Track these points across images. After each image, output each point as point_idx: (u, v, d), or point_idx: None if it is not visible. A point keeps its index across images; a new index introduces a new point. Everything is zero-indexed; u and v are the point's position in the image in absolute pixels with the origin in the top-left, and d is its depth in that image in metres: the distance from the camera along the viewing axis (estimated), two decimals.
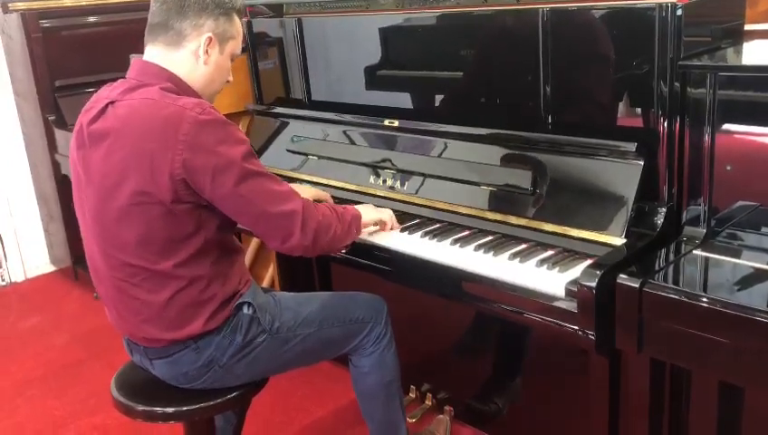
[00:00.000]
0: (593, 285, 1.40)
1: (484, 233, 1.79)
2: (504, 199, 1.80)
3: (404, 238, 1.84)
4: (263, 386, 1.76)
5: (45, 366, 2.95)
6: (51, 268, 3.98)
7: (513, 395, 2.18)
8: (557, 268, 1.56)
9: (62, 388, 2.77)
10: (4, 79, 3.67)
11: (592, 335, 1.44)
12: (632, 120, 1.66)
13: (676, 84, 1.53)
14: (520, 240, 1.72)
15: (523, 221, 1.73)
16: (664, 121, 1.57)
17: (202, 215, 1.54)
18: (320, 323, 1.75)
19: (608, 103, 1.71)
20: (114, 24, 3.54)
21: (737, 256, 1.48)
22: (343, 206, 1.78)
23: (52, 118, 3.42)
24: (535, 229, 1.71)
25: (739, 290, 1.36)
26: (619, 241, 1.56)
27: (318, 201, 1.82)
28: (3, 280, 3.84)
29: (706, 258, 1.48)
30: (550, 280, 1.52)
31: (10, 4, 3.37)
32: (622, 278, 1.40)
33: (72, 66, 3.43)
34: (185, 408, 1.65)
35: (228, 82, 1.71)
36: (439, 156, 1.99)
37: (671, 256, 1.50)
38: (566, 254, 1.63)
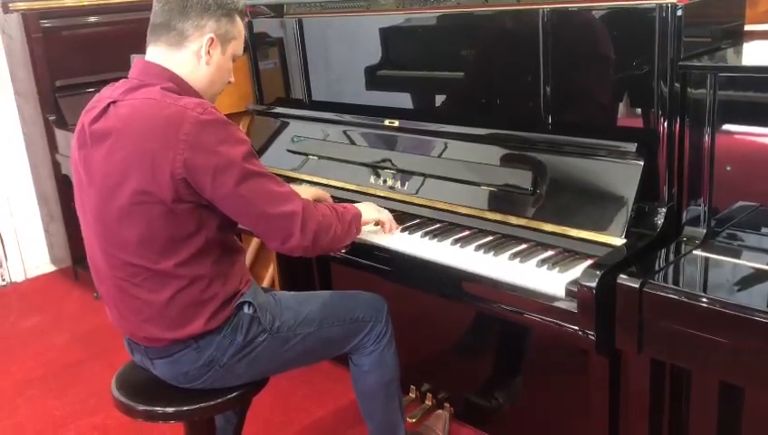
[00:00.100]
0: (593, 285, 1.40)
1: (485, 233, 1.79)
2: (504, 200, 1.80)
3: (404, 238, 1.85)
4: (263, 386, 1.77)
5: (45, 366, 2.95)
6: (51, 268, 3.98)
7: (514, 395, 2.18)
8: (557, 268, 1.56)
9: (62, 388, 2.77)
10: (5, 79, 3.67)
11: (592, 335, 1.44)
12: (632, 121, 1.66)
13: (677, 85, 1.53)
14: (520, 240, 1.72)
15: (523, 221, 1.74)
16: (664, 122, 1.57)
17: (203, 214, 1.54)
18: (320, 322, 1.76)
19: (608, 104, 1.71)
20: (115, 24, 3.54)
21: (737, 256, 1.48)
22: (343, 205, 1.78)
23: (52, 118, 3.42)
24: (535, 229, 1.71)
25: (739, 290, 1.36)
26: (619, 241, 1.56)
27: (318, 201, 1.82)
28: (3, 280, 3.85)
29: (706, 259, 1.48)
30: (550, 280, 1.53)
31: (10, 4, 3.37)
32: (622, 278, 1.40)
33: (72, 66, 3.43)
34: (185, 408, 1.65)
35: (230, 82, 1.71)
36: (439, 156, 2.00)
37: (671, 257, 1.50)
38: (566, 254, 1.63)
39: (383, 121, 2.14)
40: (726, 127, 1.48)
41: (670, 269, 1.46)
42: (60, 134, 3.39)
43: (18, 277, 3.88)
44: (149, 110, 1.50)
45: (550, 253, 1.64)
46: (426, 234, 1.85)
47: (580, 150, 1.70)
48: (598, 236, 1.60)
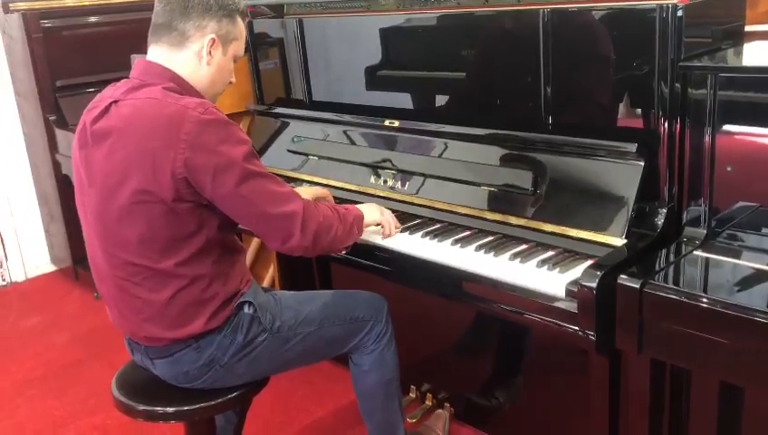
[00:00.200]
0: (594, 285, 1.41)
1: (485, 233, 1.79)
2: (504, 200, 1.80)
3: (405, 239, 1.85)
4: (263, 386, 1.77)
5: (45, 366, 2.95)
6: (51, 268, 3.98)
7: (514, 395, 2.18)
8: (558, 269, 1.56)
9: (62, 388, 2.77)
10: (5, 79, 3.67)
11: (593, 336, 1.44)
12: (633, 121, 1.67)
13: (677, 85, 1.53)
14: (520, 241, 1.72)
15: (523, 221, 1.74)
16: (664, 122, 1.57)
17: (203, 214, 1.54)
18: (320, 321, 1.76)
19: (608, 104, 1.71)
20: (115, 25, 3.54)
21: (737, 256, 1.48)
22: (345, 206, 1.78)
23: (52, 118, 3.42)
24: (536, 230, 1.71)
25: (739, 291, 1.36)
26: (619, 242, 1.57)
27: (319, 200, 1.82)
28: (3, 280, 3.85)
29: (707, 259, 1.48)
30: (550, 280, 1.53)
31: (11, 4, 3.37)
32: (623, 279, 1.41)
33: (73, 66, 3.43)
34: (185, 408, 1.65)
35: (231, 83, 1.72)
36: (440, 156, 2.00)
37: (671, 257, 1.50)
38: (567, 254, 1.63)
39: (383, 122, 2.14)
40: (727, 127, 1.48)
41: (671, 269, 1.47)
42: (60, 134, 3.39)
43: (18, 277, 3.89)
44: (151, 109, 1.51)
45: (550, 253, 1.65)
46: (426, 234, 1.85)
47: (580, 151, 1.70)
48: (598, 236, 1.60)
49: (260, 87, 2.65)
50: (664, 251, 1.52)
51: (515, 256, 1.66)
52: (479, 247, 1.72)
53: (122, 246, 1.55)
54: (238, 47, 1.67)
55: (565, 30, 1.71)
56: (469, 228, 1.84)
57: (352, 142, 2.25)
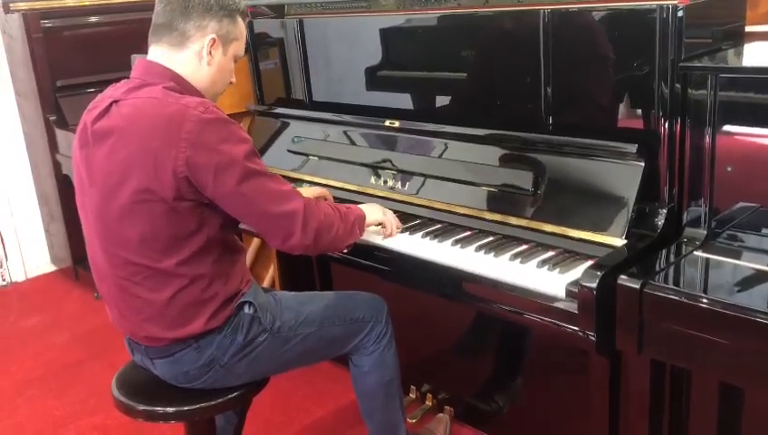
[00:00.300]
0: (594, 285, 1.41)
1: (485, 234, 1.79)
2: (504, 200, 1.80)
3: (405, 239, 1.85)
4: (263, 386, 1.77)
5: (45, 366, 2.95)
6: (51, 268, 3.98)
7: (514, 395, 2.18)
8: (558, 269, 1.56)
9: (62, 388, 2.77)
10: (6, 79, 3.68)
11: (593, 336, 1.45)
12: (633, 122, 1.67)
13: (677, 86, 1.53)
14: (521, 241, 1.72)
15: (523, 222, 1.74)
16: (665, 123, 1.57)
17: (204, 213, 1.55)
18: (320, 322, 1.76)
19: (609, 105, 1.71)
20: (116, 25, 3.54)
21: (738, 257, 1.48)
22: (347, 205, 1.78)
23: (53, 118, 3.42)
24: (536, 230, 1.71)
25: (739, 291, 1.37)
26: (619, 242, 1.57)
27: (319, 200, 1.82)
28: (3, 280, 3.85)
29: (707, 259, 1.48)
30: (550, 281, 1.53)
31: (11, 5, 3.37)
32: (623, 279, 1.41)
33: (73, 66, 3.43)
34: (186, 408, 1.65)
35: (231, 83, 1.72)
36: (440, 157, 2.00)
37: (672, 258, 1.50)
38: (567, 255, 1.63)
39: (384, 122, 2.14)
40: (727, 128, 1.48)
41: (671, 270, 1.47)
42: (60, 134, 3.40)
43: (18, 277, 3.89)
44: (152, 108, 1.51)
45: (550, 253, 1.65)
46: (426, 234, 1.85)
47: (580, 151, 1.70)
48: (598, 236, 1.60)
49: (260, 87, 2.65)
50: (664, 251, 1.52)
51: (516, 256, 1.66)
52: (479, 248, 1.72)
53: (123, 245, 1.55)
54: (239, 47, 1.67)
55: (565, 30, 1.71)
56: (469, 229, 1.84)
57: (352, 142, 2.25)
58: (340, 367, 2.40)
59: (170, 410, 1.65)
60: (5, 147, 3.75)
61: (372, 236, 1.85)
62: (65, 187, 3.43)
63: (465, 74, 2.03)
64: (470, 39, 1.96)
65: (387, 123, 2.13)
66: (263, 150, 2.46)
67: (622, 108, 1.69)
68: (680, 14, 1.50)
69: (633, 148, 1.60)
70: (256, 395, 1.77)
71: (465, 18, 1.95)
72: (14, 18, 3.37)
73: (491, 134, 1.88)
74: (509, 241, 1.74)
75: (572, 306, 1.46)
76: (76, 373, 2.87)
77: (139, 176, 1.49)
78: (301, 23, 2.39)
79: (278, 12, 2.48)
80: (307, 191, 1.94)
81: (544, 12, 1.72)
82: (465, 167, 1.91)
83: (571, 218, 1.66)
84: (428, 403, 2.32)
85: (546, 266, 1.58)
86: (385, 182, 2.08)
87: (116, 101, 1.55)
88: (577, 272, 1.51)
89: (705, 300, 1.30)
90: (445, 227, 1.88)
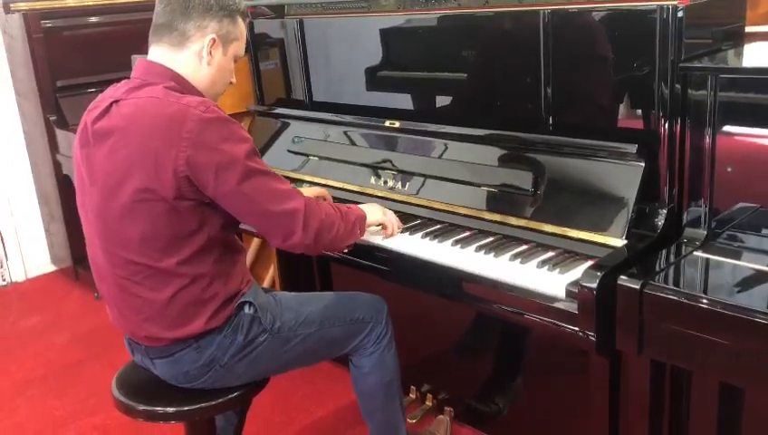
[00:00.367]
0: (594, 286, 1.41)
1: (485, 234, 1.79)
2: (504, 201, 1.80)
3: (405, 239, 1.85)
4: (263, 386, 1.77)
5: (45, 366, 2.95)
6: (51, 268, 3.98)
7: (514, 396, 2.18)
8: (558, 269, 1.56)
9: (62, 388, 2.77)
10: (6, 78, 3.68)
11: (593, 336, 1.45)
12: (633, 122, 1.67)
13: (677, 86, 1.53)
14: (521, 241, 1.73)
15: (523, 222, 1.74)
16: (665, 123, 1.57)
17: (205, 212, 1.55)
18: (321, 322, 1.76)
19: (609, 105, 1.71)
20: (116, 25, 3.54)
21: (738, 257, 1.48)
22: (348, 205, 1.78)
23: (53, 118, 3.42)
24: (536, 230, 1.71)
25: (739, 292, 1.37)
26: (619, 242, 1.57)
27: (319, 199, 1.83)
28: (3, 280, 3.85)
29: (707, 260, 1.48)
30: (551, 281, 1.53)
31: (12, 5, 3.38)
32: (623, 280, 1.41)
33: (73, 66, 3.43)
34: (186, 408, 1.65)
35: (231, 83, 1.72)
36: (440, 157, 2.00)
37: (672, 258, 1.50)
38: (567, 255, 1.63)
39: (384, 122, 2.14)
40: (727, 128, 1.48)
41: (671, 270, 1.47)
42: (61, 134, 3.40)
43: (19, 277, 3.89)
44: (152, 108, 1.51)
45: (550, 254, 1.65)
46: (426, 235, 1.85)
47: (580, 151, 1.70)
48: (598, 237, 1.60)
49: (260, 87, 2.65)
50: (664, 252, 1.52)
51: (516, 256, 1.66)
52: (479, 248, 1.72)
53: (123, 244, 1.55)
54: (239, 47, 1.67)
55: (565, 31, 1.71)
56: (469, 229, 1.84)
57: (353, 143, 2.25)
58: (340, 367, 2.40)
59: (170, 410, 1.65)
60: (6, 147, 3.75)
61: (373, 237, 1.85)
62: (65, 187, 3.43)
63: (466, 75, 2.03)
64: (470, 39, 1.96)
65: (387, 123, 2.13)
66: (263, 151, 2.46)
67: (622, 108, 1.69)
68: (680, 14, 1.50)
69: (633, 148, 1.60)
70: (256, 395, 1.77)
71: (465, 18, 1.95)
72: (15, 18, 3.37)
73: (491, 134, 1.88)
74: (509, 241, 1.74)
75: (572, 307, 1.46)
76: (76, 373, 2.87)
77: (140, 175, 1.49)
78: (301, 23, 2.39)
79: (278, 12, 2.48)
80: (306, 191, 1.94)
81: (544, 12, 1.72)
82: (465, 167, 1.91)
83: (571, 219, 1.66)
84: (428, 403, 2.32)
85: (546, 267, 1.58)
86: (385, 182, 2.08)
87: (116, 101, 1.55)
88: (577, 272, 1.51)
89: (705, 300, 1.30)
90: (445, 228, 1.88)
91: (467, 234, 1.82)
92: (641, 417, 1.58)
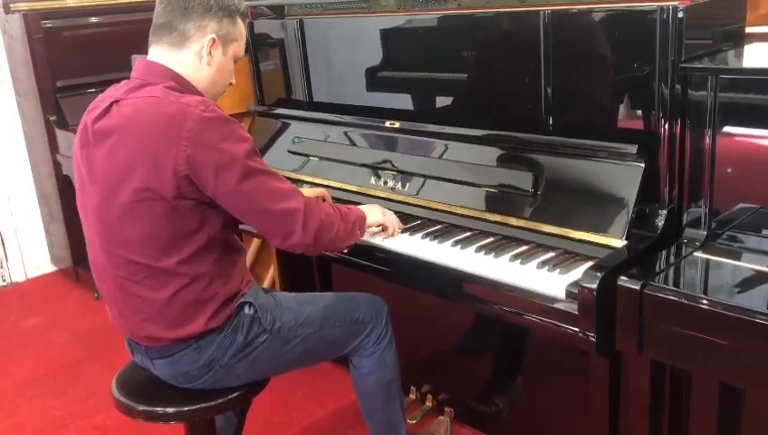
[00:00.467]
0: (594, 286, 1.41)
1: (485, 234, 1.79)
2: (504, 201, 1.80)
3: (405, 240, 1.85)
4: (263, 386, 1.77)
5: (45, 366, 2.95)
6: (51, 268, 3.98)
7: (514, 396, 2.18)
8: (558, 270, 1.56)
9: (62, 388, 2.77)
10: (6, 79, 3.68)
11: (593, 337, 1.45)
12: (633, 123, 1.67)
13: (678, 87, 1.53)
14: (521, 242, 1.73)
15: (523, 223, 1.74)
16: (665, 124, 1.57)
17: (205, 211, 1.55)
18: (321, 323, 1.76)
19: (609, 105, 1.71)
20: (116, 25, 3.54)
21: (738, 258, 1.48)
22: (347, 206, 1.78)
23: (53, 118, 3.42)
24: (536, 231, 1.71)
25: (739, 292, 1.37)
26: (619, 243, 1.57)
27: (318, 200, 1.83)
28: (3, 280, 3.85)
29: (707, 260, 1.48)
30: (551, 282, 1.53)
31: (12, 5, 3.37)
32: (623, 280, 1.41)
33: (73, 67, 3.43)
34: (185, 408, 1.65)
35: (231, 84, 1.72)
36: (440, 157, 2.00)
37: (672, 259, 1.50)
38: (567, 256, 1.63)
39: (384, 123, 2.14)
40: (727, 129, 1.48)
41: (671, 271, 1.47)
42: (61, 134, 3.40)
43: (19, 277, 3.89)
44: (152, 108, 1.51)
45: (550, 254, 1.65)
46: (426, 235, 1.85)
47: (580, 152, 1.70)
48: (598, 237, 1.60)
49: (260, 88, 2.65)
50: (664, 253, 1.52)
51: (516, 257, 1.66)
52: (479, 248, 1.72)
53: (124, 244, 1.55)
54: (238, 48, 1.67)
55: (566, 31, 1.71)
56: (469, 229, 1.84)
57: (353, 143, 2.25)
58: (340, 368, 2.40)
59: (170, 410, 1.65)
60: (5, 147, 3.75)
61: (372, 237, 1.85)
62: (65, 187, 3.43)
63: (466, 75, 2.03)
64: (470, 40, 1.96)
65: (387, 124, 2.13)
66: (263, 151, 2.46)
67: (622, 109, 1.69)
68: (680, 15, 1.50)
69: (633, 149, 1.60)
70: (256, 396, 1.77)
71: (465, 19, 1.95)
72: (15, 18, 3.37)
73: (491, 135, 1.88)
74: (509, 242, 1.74)
75: (572, 307, 1.46)
76: (76, 373, 2.87)
77: (140, 175, 1.49)
78: (301, 23, 2.39)
79: (278, 12, 2.48)
80: (306, 192, 1.94)
81: (545, 13, 1.72)
82: (465, 167, 1.91)
83: (571, 219, 1.66)
84: (428, 404, 2.32)
85: (546, 267, 1.58)
86: (385, 183, 2.08)
87: (116, 101, 1.55)
88: (577, 273, 1.51)
89: (705, 301, 1.30)
90: (445, 228, 1.88)
91: (467, 234, 1.82)
92: (641, 417, 1.58)
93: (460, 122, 1.97)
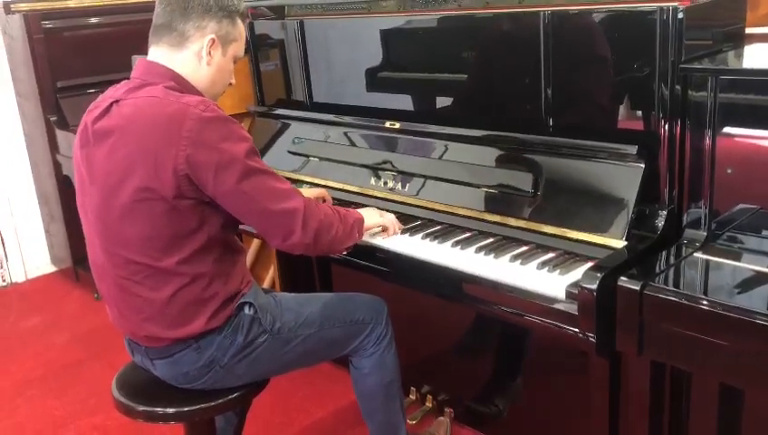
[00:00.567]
0: (594, 287, 1.41)
1: (485, 235, 1.79)
2: (504, 202, 1.80)
3: (405, 240, 1.85)
4: (263, 387, 1.77)
5: (45, 366, 2.95)
6: (51, 268, 3.98)
7: (514, 397, 2.18)
8: (558, 271, 1.56)
9: (62, 388, 2.77)
10: (6, 79, 3.68)
11: (593, 338, 1.44)
12: (633, 123, 1.67)
13: (678, 87, 1.53)
14: (521, 242, 1.73)
15: (523, 223, 1.74)
16: (665, 124, 1.57)
17: (205, 211, 1.55)
18: (321, 323, 1.76)
19: (609, 106, 1.71)
20: (116, 26, 3.54)
21: (738, 258, 1.48)
22: (346, 208, 1.79)
23: (53, 118, 3.42)
24: (536, 232, 1.71)
25: (739, 293, 1.37)
26: (619, 244, 1.57)
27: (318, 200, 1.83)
28: (3, 280, 3.85)
29: (707, 261, 1.48)
30: (551, 282, 1.53)
31: (12, 5, 3.38)
32: (623, 281, 1.41)
33: (73, 67, 3.43)
34: (185, 408, 1.65)
35: (231, 84, 1.72)
36: (440, 158, 2.00)
37: (672, 259, 1.50)
38: (567, 256, 1.63)
39: (384, 123, 2.14)
40: (727, 129, 1.48)
41: (671, 272, 1.47)
42: (61, 135, 3.40)
43: (19, 278, 3.89)
44: (152, 108, 1.51)
45: (550, 255, 1.65)
46: (426, 235, 1.85)
47: (580, 153, 1.70)
48: (598, 238, 1.60)
49: (260, 88, 2.65)
50: (664, 253, 1.52)
51: (516, 257, 1.66)
52: (479, 249, 1.72)
53: (124, 244, 1.55)
54: (238, 48, 1.68)
55: (566, 32, 1.71)
56: (469, 230, 1.84)
57: (353, 144, 2.25)
58: (340, 368, 2.40)
59: (170, 410, 1.65)
60: (6, 147, 3.76)
61: (373, 237, 1.85)
62: (65, 187, 3.43)
63: (466, 76, 2.03)
64: (470, 40, 1.96)
65: (387, 124, 2.13)
66: (263, 151, 2.46)
67: (622, 109, 1.69)
68: (680, 15, 1.50)
69: (633, 149, 1.60)
70: (256, 396, 1.77)
71: (465, 19, 1.95)
72: (15, 19, 3.37)
73: (491, 135, 1.88)
74: (509, 242, 1.74)
75: (572, 308, 1.46)
76: (76, 373, 2.87)
77: (140, 174, 1.49)
78: (301, 24, 2.39)
79: (278, 13, 2.48)
80: (306, 192, 1.94)
81: (544, 13, 1.72)
82: (465, 168, 1.91)
83: (571, 220, 1.66)
84: (428, 404, 2.32)
85: (546, 268, 1.58)
86: (385, 183, 2.08)
87: (116, 101, 1.55)
88: (577, 273, 1.51)
89: (705, 302, 1.30)
90: (445, 229, 1.88)
91: (467, 235, 1.82)
92: (641, 418, 1.58)
93: (460, 123, 1.97)
